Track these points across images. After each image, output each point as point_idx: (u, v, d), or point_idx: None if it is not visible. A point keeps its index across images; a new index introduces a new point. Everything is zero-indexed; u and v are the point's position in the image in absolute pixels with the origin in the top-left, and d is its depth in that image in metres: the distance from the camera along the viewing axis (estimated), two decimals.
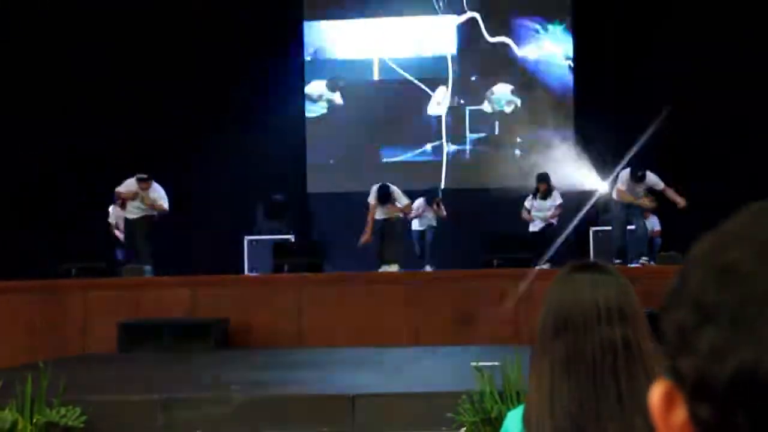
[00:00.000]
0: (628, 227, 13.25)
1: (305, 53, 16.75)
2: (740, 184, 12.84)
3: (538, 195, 14.03)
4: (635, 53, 15.20)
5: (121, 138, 15.46)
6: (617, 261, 12.74)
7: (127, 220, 13.79)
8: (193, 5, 15.77)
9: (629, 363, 2.02)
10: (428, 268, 13.57)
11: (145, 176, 13.70)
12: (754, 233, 0.70)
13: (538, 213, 14.02)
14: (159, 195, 13.74)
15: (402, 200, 13.60)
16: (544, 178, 14.13)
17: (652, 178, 13.11)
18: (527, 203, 14.13)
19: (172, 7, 15.73)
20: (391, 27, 16.58)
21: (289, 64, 16.49)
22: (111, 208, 14.64)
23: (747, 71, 14.63)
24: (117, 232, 14.48)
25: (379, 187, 13.42)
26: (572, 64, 16.30)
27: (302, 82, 16.73)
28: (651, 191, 13.16)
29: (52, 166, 15.30)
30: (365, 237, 13.45)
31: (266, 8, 16.15)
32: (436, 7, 16.41)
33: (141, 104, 15.63)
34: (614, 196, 13.24)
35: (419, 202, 14.38)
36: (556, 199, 14.07)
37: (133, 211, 13.73)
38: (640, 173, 13.01)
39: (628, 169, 13.08)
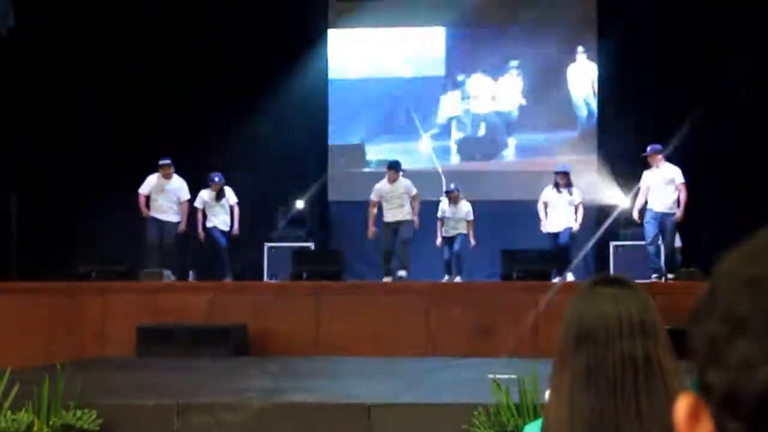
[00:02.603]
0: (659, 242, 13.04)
1: (328, 64, 16.77)
2: (762, 202, 12.78)
3: (559, 187, 13.49)
4: (659, 62, 15.11)
5: (145, 141, 15.50)
6: (654, 276, 12.57)
7: (157, 220, 13.70)
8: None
9: (649, 378, 2.00)
10: (458, 279, 13.39)
11: (167, 161, 13.70)
12: None
13: (553, 209, 13.49)
14: (182, 187, 13.74)
15: (413, 189, 13.51)
16: (564, 172, 13.57)
17: (672, 168, 12.62)
18: (543, 195, 13.58)
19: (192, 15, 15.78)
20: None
21: (313, 74, 16.52)
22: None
23: None
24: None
25: (391, 161, 13.62)
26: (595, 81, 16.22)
27: (326, 86, 16.74)
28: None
29: (74, 167, 15.35)
30: (370, 231, 13.50)
31: (294, 18, 16.18)
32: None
33: (165, 110, 15.67)
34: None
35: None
36: (576, 197, 13.47)
37: (164, 209, 13.67)
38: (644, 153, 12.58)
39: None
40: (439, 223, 14.00)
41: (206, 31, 15.70)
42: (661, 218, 12.59)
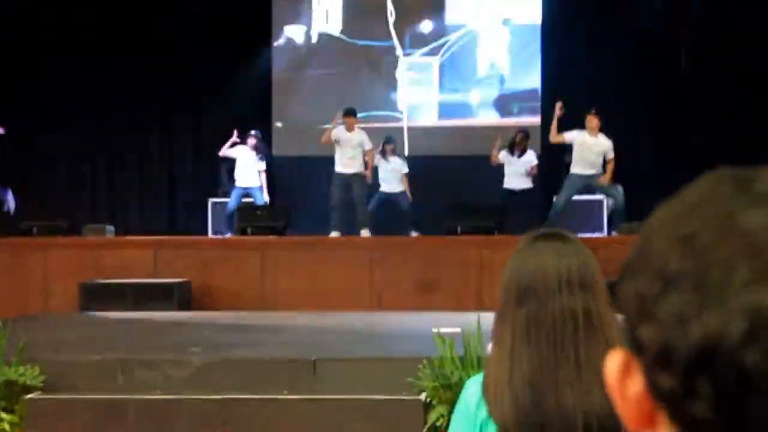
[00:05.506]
0: (584, 197, 13.11)
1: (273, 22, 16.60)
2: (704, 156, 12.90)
3: (515, 151, 13.53)
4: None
5: (85, 92, 15.32)
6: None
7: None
8: None
9: (589, 332, 2.03)
10: (413, 233, 13.28)
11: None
12: (712, 203, 0.69)
13: (510, 168, 13.55)
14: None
15: (368, 143, 13.27)
16: (524, 132, 13.64)
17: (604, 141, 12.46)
18: (502, 156, 13.61)
19: None
20: None
21: (255, 23, 16.34)
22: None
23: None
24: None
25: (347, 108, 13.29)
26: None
27: (269, 38, 16.57)
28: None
29: (16, 125, 15.12)
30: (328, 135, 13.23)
31: None
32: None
33: (108, 62, 15.48)
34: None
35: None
36: (532, 159, 13.58)
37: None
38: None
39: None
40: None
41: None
42: (587, 181, 12.59)
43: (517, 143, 13.58)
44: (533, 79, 16.26)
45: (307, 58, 16.58)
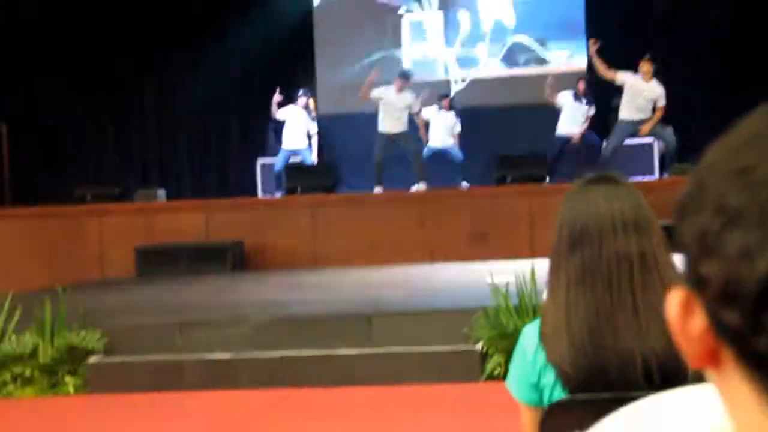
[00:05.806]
0: (634, 141, 12.94)
1: None
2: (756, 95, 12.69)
3: (583, 97, 13.39)
4: None
5: (134, 56, 15.39)
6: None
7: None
8: None
9: (645, 274, 2.02)
10: (465, 184, 13.18)
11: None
12: (767, 135, 0.68)
13: (569, 113, 13.37)
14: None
15: (416, 106, 13.12)
16: (586, 79, 13.57)
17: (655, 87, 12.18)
18: (563, 97, 13.40)
19: None
20: None
21: None
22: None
23: None
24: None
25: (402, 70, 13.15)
26: None
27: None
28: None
29: (64, 92, 15.24)
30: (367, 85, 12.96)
31: None
32: None
33: (143, 25, 15.51)
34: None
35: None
36: (590, 108, 13.47)
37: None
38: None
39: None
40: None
41: None
42: (637, 127, 12.26)
43: (581, 90, 13.42)
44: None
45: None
